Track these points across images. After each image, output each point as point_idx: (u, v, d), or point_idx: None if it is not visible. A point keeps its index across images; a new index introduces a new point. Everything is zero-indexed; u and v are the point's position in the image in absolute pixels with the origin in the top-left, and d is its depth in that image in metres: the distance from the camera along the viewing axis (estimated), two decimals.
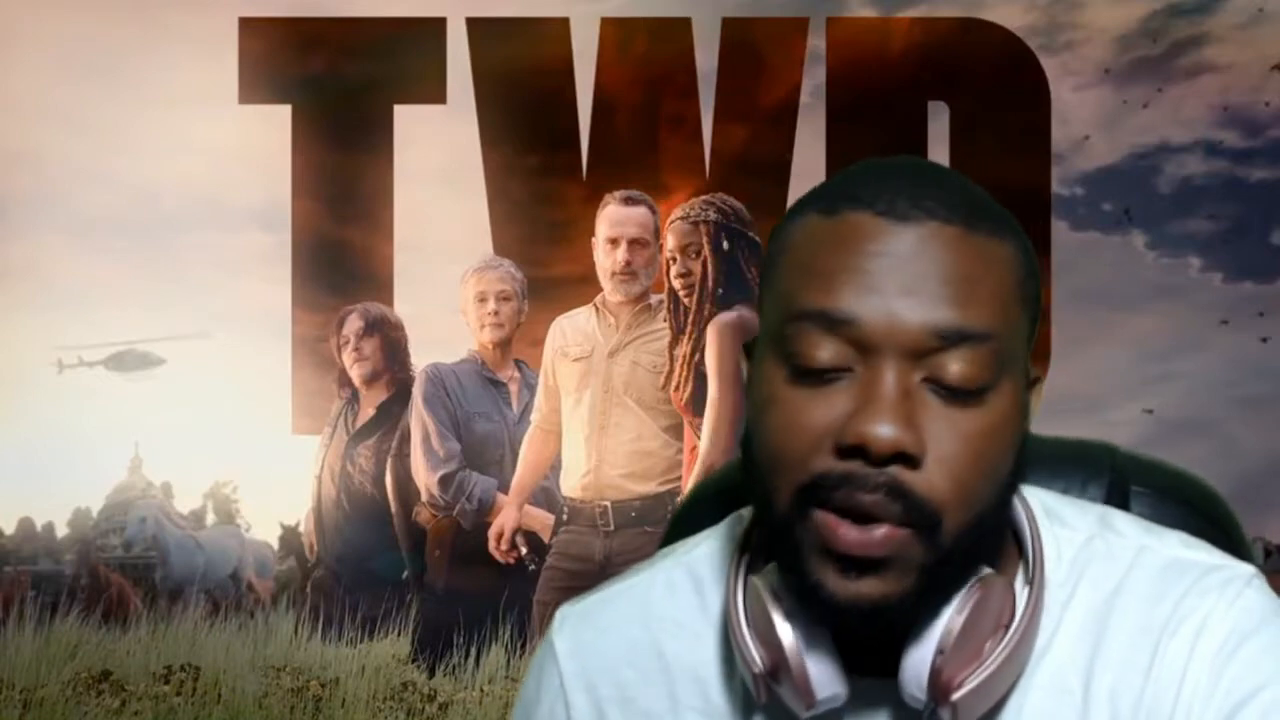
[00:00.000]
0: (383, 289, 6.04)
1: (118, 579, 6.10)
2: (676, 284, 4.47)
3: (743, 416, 1.00)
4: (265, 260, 6.27)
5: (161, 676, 4.80)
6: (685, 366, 4.42)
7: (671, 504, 4.46)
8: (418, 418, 5.07)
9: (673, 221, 4.53)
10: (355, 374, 5.56)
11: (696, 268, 4.44)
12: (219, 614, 5.64)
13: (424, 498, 5.12)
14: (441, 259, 6.21)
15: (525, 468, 4.86)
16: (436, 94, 6.15)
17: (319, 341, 5.83)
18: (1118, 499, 1.14)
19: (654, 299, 4.65)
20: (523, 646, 4.91)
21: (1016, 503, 1.02)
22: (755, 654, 0.98)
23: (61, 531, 6.77)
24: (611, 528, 4.50)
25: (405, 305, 5.91)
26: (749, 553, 1.03)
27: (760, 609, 0.98)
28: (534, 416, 4.81)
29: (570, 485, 4.60)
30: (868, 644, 0.97)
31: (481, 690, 4.81)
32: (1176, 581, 0.99)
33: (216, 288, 6.46)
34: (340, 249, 6.20)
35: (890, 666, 0.96)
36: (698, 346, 4.39)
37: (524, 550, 4.84)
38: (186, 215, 6.47)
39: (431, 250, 6.37)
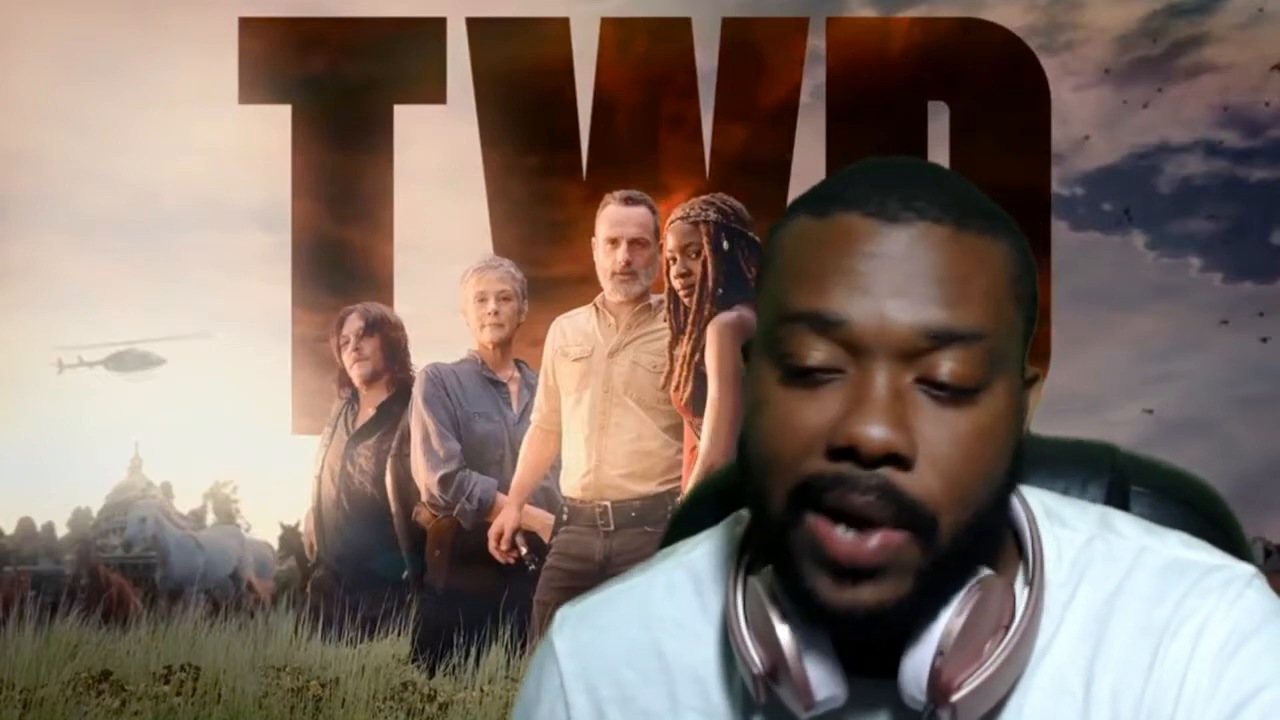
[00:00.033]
0: (383, 289, 6.04)
1: (118, 579, 6.10)
2: (676, 284, 4.47)
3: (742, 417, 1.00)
4: (265, 260, 6.27)
5: (161, 676, 4.80)
6: (685, 366, 4.42)
7: (671, 504, 4.46)
8: (418, 418, 5.07)
9: (673, 221, 4.53)
10: (355, 374, 5.56)
11: (696, 268, 4.44)
12: (219, 614, 5.64)
13: (424, 498, 5.12)
14: (441, 259, 6.21)
15: (525, 468, 4.86)
16: (436, 94, 6.15)
17: (319, 341, 5.83)
18: (1118, 499, 1.14)
19: (654, 299, 4.65)
20: (523, 646, 4.91)
21: (1016, 503, 1.02)
22: (754, 655, 0.98)
23: (61, 531, 6.78)
24: (611, 528, 4.50)
25: (405, 305, 5.91)
26: (749, 553, 1.03)
27: (759, 610, 0.98)
28: (534, 416, 4.81)
29: (570, 485, 4.60)
30: (867, 645, 0.97)
31: (481, 690, 4.81)
32: (1177, 582, 0.99)
33: (216, 288, 6.46)
34: (340, 249, 6.20)
35: (890, 667, 0.96)
36: (698, 346, 4.39)
37: (524, 550, 4.84)
38: (186, 215, 6.47)
39: (431, 250, 6.37)
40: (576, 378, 4.63)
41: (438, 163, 6.49)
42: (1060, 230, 6.25)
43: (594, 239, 4.71)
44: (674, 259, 4.48)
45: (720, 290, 4.40)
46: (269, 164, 6.11)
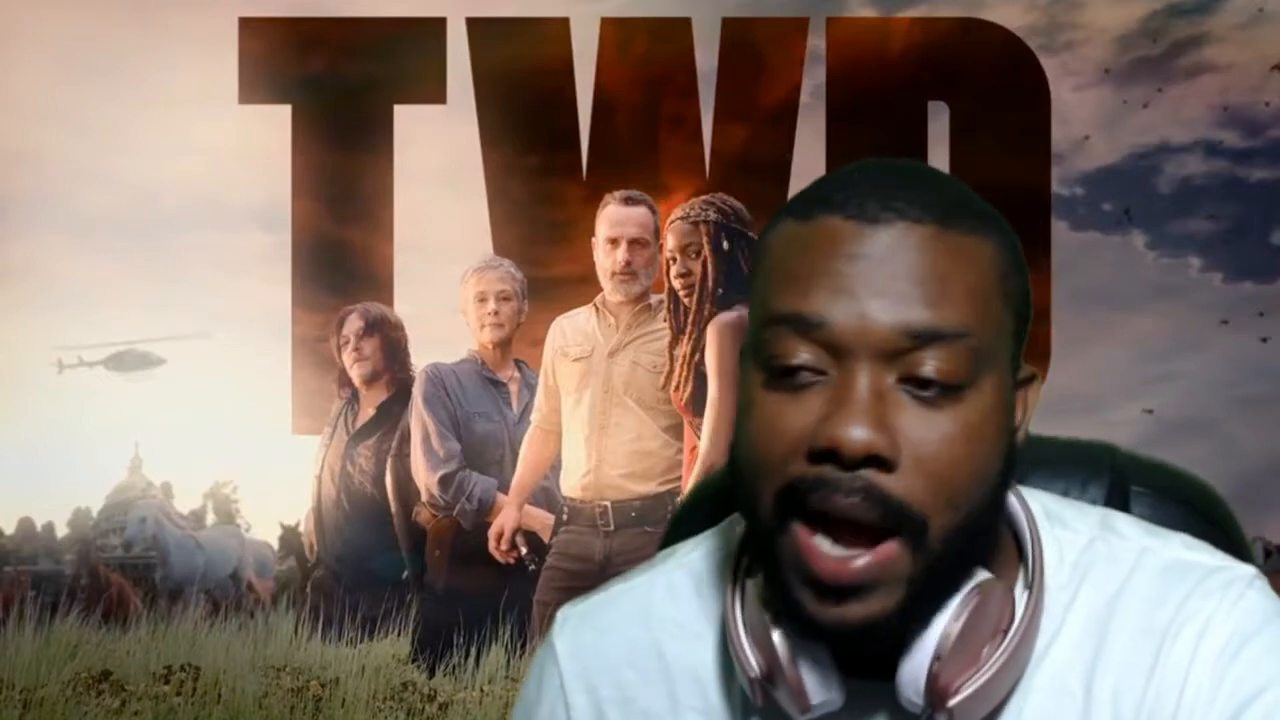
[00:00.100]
0: (383, 289, 6.04)
1: (118, 579, 6.10)
2: (676, 284, 4.47)
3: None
4: (265, 260, 6.27)
5: (161, 676, 4.80)
6: (685, 366, 4.42)
7: (671, 504, 4.46)
8: (418, 418, 5.07)
9: (673, 221, 4.53)
10: (355, 374, 5.56)
11: (696, 268, 4.44)
12: (219, 614, 5.64)
13: (424, 498, 5.12)
14: (441, 259, 6.21)
15: (525, 468, 4.86)
16: (436, 94, 6.15)
17: (319, 341, 5.83)
18: (1118, 499, 1.14)
19: (654, 299, 4.65)
20: (523, 646, 4.91)
21: (1016, 505, 1.02)
22: (751, 658, 0.98)
23: (61, 531, 6.78)
24: (611, 528, 4.50)
25: (405, 305, 5.91)
26: (747, 555, 1.03)
27: (756, 613, 0.98)
28: (534, 416, 4.81)
29: (570, 485, 4.59)
30: (867, 648, 0.97)
31: (481, 690, 4.81)
32: (1178, 583, 0.99)
33: (216, 288, 6.47)
34: (340, 249, 6.20)
35: (888, 668, 0.96)
36: (698, 346, 4.39)
37: (524, 550, 4.84)
38: (186, 215, 6.47)
39: (431, 250, 6.37)
40: (576, 378, 4.63)
41: (438, 163, 6.49)
42: (1060, 230, 6.25)
43: (594, 239, 4.71)
44: (674, 259, 4.47)
45: (720, 290, 4.40)
46: (269, 164, 6.11)
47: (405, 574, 5.39)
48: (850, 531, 0.92)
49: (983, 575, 0.96)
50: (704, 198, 4.59)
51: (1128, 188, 6.47)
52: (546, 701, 1.09)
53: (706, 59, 6.13)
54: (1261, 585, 0.99)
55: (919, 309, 0.92)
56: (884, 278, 0.92)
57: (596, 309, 4.68)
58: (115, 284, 6.46)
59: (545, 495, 4.94)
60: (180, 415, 6.40)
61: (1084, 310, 6.29)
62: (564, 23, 6.12)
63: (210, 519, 7.03)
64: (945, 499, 0.92)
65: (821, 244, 0.94)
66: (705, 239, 4.44)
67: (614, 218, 4.67)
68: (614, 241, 4.63)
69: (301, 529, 5.90)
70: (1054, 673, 0.98)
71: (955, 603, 0.94)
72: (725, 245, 4.43)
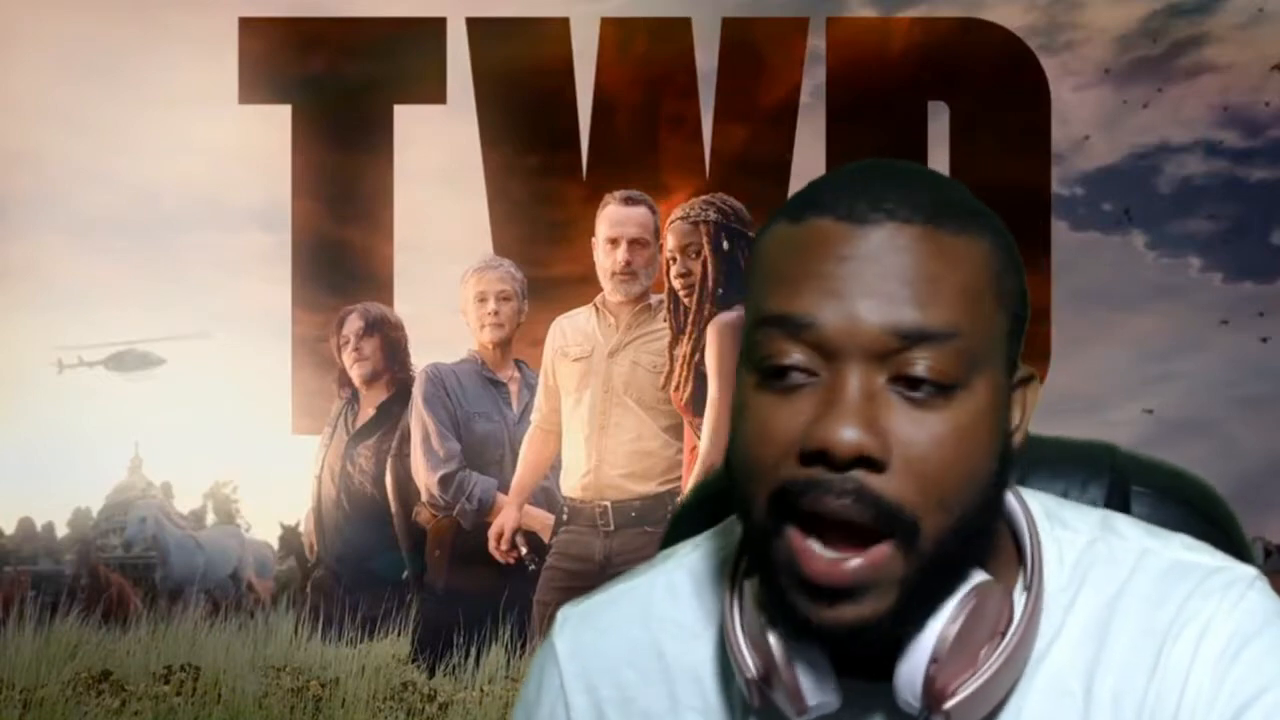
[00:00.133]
0: (383, 289, 6.04)
1: (118, 579, 6.10)
2: (676, 284, 4.47)
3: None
4: (265, 260, 6.27)
5: (161, 676, 4.80)
6: (685, 366, 4.42)
7: (671, 504, 4.46)
8: (418, 418, 5.07)
9: (673, 221, 4.53)
10: (355, 374, 5.56)
11: (696, 268, 4.44)
12: (219, 614, 5.64)
13: (424, 498, 5.12)
14: (441, 259, 6.21)
15: (525, 468, 4.86)
16: (436, 94, 6.15)
17: (319, 341, 5.83)
18: (1118, 499, 1.14)
19: (654, 299, 4.65)
20: (523, 646, 4.91)
21: (1016, 506, 1.02)
22: (748, 660, 0.98)
23: (61, 531, 6.78)
24: (611, 528, 4.50)
25: (405, 305, 5.91)
26: (746, 556, 1.02)
27: (754, 614, 0.98)
28: (534, 416, 4.81)
29: (570, 485, 4.59)
30: (863, 649, 0.97)
31: (481, 690, 4.81)
32: (1179, 584, 0.99)
33: (216, 288, 6.46)
34: (340, 249, 6.20)
35: (886, 669, 0.96)
36: (698, 346, 4.39)
37: (524, 550, 4.84)
38: (186, 215, 6.47)
39: (431, 250, 6.37)
40: (576, 378, 4.63)
41: (438, 163, 6.49)
42: (1060, 230, 6.25)
43: (594, 239, 4.71)
44: (674, 259, 4.47)
45: (720, 290, 4.40)
46: (269, 164, 6.11)
47: (405, 574, 5.39)
48: (843, 534, 0.91)
49: (981, 577, 0.96)
50: (704, 198, 4.59)
51: (1128, 188, 6.48)
52: (546, 702, 1.09)
53: (706, 59, 6.13)
54: (1262, 586, 0.99)
55: (908, 309, 0.91)
56: (873, 278, 0.92)
57: (596, 309, 4.68)
58: (115, 284, 6.47)
59: (545, 495, 4.94)
60: (180, 415, 6.40)
61: (1084, 310, 6.29)
62: (564, 23, 6.12)
63: (210, 519, 7.03)
64: (936, 500, 0.91)
65: (812, 245, 0.94)
66: (705, 239, 4.44)
67: (614, 218, 4.67)
68: (614, 241, 4.62)
69: (301, 529, 5.90)
70: (1054, 673, 0.98)
71: (953, 605, 0.94)
72: (725, 245, 4.43)
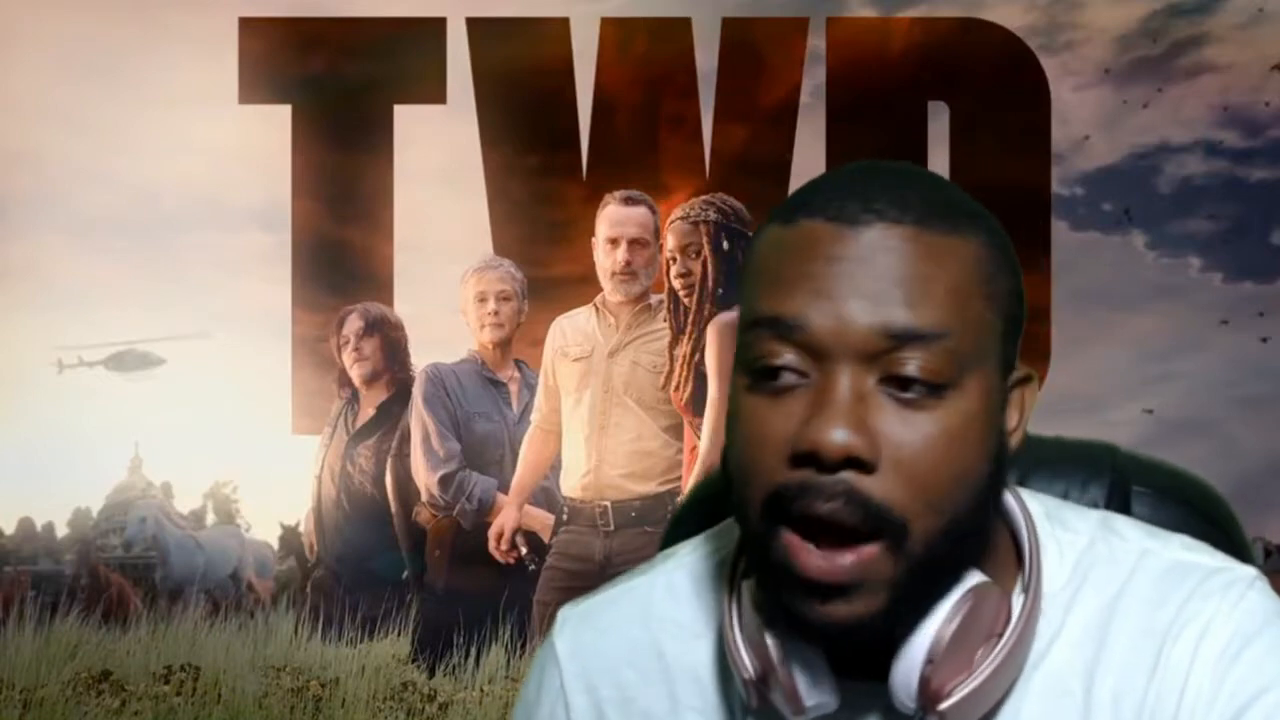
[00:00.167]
0: (383, 289, 6.04)
1: (118, 579, 6.10)
2: (676, 284, 4.47)
3: None
4: (265, 260, 6.27)
5: (161, 676, 4.80)
6: (685, 366, 4.42)
7: (671, 504, 4.46)
8: (418, 418, 5.07)
9: (673, 221, 4.53)
10: (355, 374, 5.56)
11: (696, 268, 4.44)
12: (219, 614, 5.64)
13: (424, 498, 5.12)
14: (441, 259, 6.21)
15: (525, 468, 4.86)
16: (436, 94, 6.15)
17: (319, 341, 5.83)
18: (1118, 499, 1.14)
19: (654, 299, 4.65)
20: (523, 646, 4.91)
21: (1015, 508, 1.02)
22: (746, 660, 0.98)
23: (61, 531, 6.77)
24: (611, 528, 4.50)
25: (405, 305, 5.91)
26: (744, 557, 1.03)
27: (751, 614, 0.98)
28: (534, 416, 4.81)
29: (570, 485, 4.59)
30: (859, 649, 0.97)
31: (481, 690, 4.81)
32: (1179, 585, 0.99)
33: (216, 288, 6.46)
34: (340, 249, 6.20)
35: (883, 669, 0.96)
36: (698, 346, 4.39)
37: (524, 550, 4.84)
38: (186, 215, 6.47)
39: (431, 250, 6.37)
40: (576, 378, 4.63)
41: (438, 163, 6.49)
42: (1060, 230, 6.24)
43: (594, 239, 4.71)
44: (674, 259, 4.48)
45: (720, 290, 4.40)
46: (269, 164, 6.11)
47: (405, 574, 5.39)
48: (835, 537, 0.91)
49: (977, 578, 0.96)
50: (704, 198, 4.59)
51: (1128, 188, 6.47)
52: (547, 702, 1.10)
53: (706, 59, 6.13)
54: (1262, 586, 0.99)
55: (897, 309, 0.91)
56: (863, 279, 0.92)
57: (596, 309, 4.68)
58: (115, 284, 6.46)
59: (545, 495, 4.94)
60: (180, 415, 6.40)
61: (1084, 310, 6.29)
62: (564, 23, 6.12)
63: (210, 519, 7.03)
64: (926, 502, 0.91)
65: (803, 247, 0.94)
66: (705, 239, 4.44)
67: (614, 218, 4.67)
68: (614, 241, 4.63)
69: (301, 529, 5.90)
70: (1054, 674, 0.98)
71: (949, 606, 0.94)
72: (725, 245, 4.43)
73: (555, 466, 4.76)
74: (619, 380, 4.58)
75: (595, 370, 4.60)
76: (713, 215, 4.47)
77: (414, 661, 5.06)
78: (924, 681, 0.94)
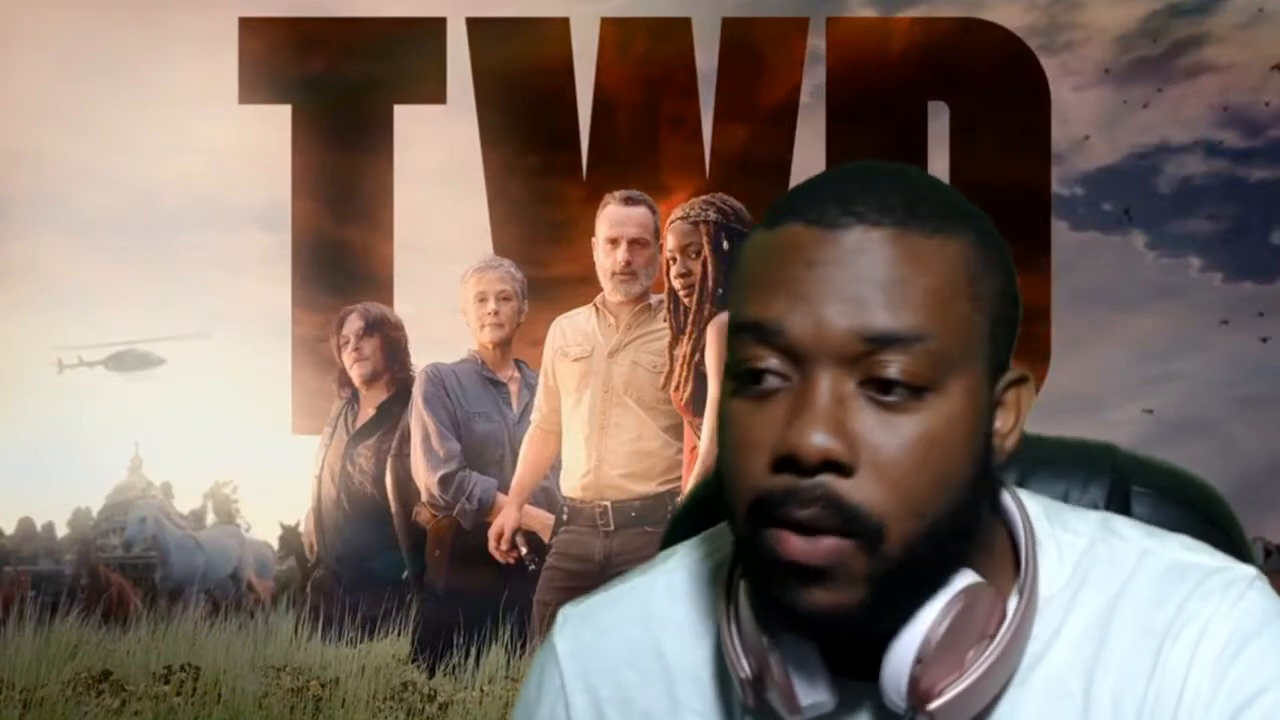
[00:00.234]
0: (383, 289, 6.04)
1: (118, 579, 6.10)
2: (676, 284, 4.47)
3: None
4: (265, 260, 6.27)
5: (161, 676, 4.80)
6: (685, 366, 4.42)
7: (671, 504, 4.46)
8: (418, 418, 5.07)
9: (673, 221, 4.53)
10: (355, 374, 5.56)
11: (696, 268, 4.44)
12: (219, 614, 5.64)
13: (424, 498, 5.12)
14: (441, 259, 6.21)
15: (525, 468, 4.86)
16: (436, 94, 6.15)
17: (319, 341, 5.83)
18: (1118, 499, 1.14)
19: (654, 299, 4.65)
20: (523, 646, 4.91)
21: (1014, 508, 1.02)
22: (742, 660, 0.98)
23: (61, 531, 6.78)
24: (611, 528, 4.50)
25: (405, 305, 5.91)
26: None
27: (748, 614, 0.98)
28: (534, 416, 4.81)
29: (570, 485, 4.59)
30: (851, 647, 0.97)
31: (481, 690, 4.81)
32: (1178, 585, 0.99)
33: (216, 288, 6.46)
34: (340, 249, 6.20)
35: (877, 668, 0.96)
36: (698, 346, 4.39)
37: (524, 550, 4.84)
38: (186, 215, 6.47)
39: (431, 250, 6.37)
40: (576, 378, 4.63)
41: (438, 163, 6.50)
42: (1060, 230, 6.24)
43: (594, 239, 4.71)
44: (674, 259, 4.48)
45: (720, 290, 4.40)
46: (269, 164, 6.11)
47: (405, 574, 5.39)
48: (813, 534, 0.92)
49: (971, 579, 0.96)
50: (704, 198, 4.59)
51: (1128, 188, 6.48)
52: (547, 702, 1.10)
53: (706, 59, 6.13)
54: (1262, 586, 0.99)
55: (876, 312, 0.91)
56: (842, 282, 0.92)
57: (596, 309, 4.68)
58: (115, 284, 6.47)
59: (545, 495, 4.94)
60: (180, 415, 6.40)
61: (1084, 310, 6.29)
62: (564, 23, 6.12)
63: (210, 519, 7.03)
64: (905, 506, 0.91)
65: (784, 251, 0.94)
66: (705, 239, 4.44)
67: (614, 218, 4.67)
68: (614, 241, 4.63)
69: (301, 529, 5.90)
70: (1053, 674, 0.98)
71: (940, 605, 0.94)
72: (725, 245, 4.43)
73: (555, 466, 4.76)
74: (619, 380, 4.58)
75: (595, 370, 4.60)
76: (713, 215, 4.47)
77: (414, 661, 5.06)
78: (913, 680, 0.94)
